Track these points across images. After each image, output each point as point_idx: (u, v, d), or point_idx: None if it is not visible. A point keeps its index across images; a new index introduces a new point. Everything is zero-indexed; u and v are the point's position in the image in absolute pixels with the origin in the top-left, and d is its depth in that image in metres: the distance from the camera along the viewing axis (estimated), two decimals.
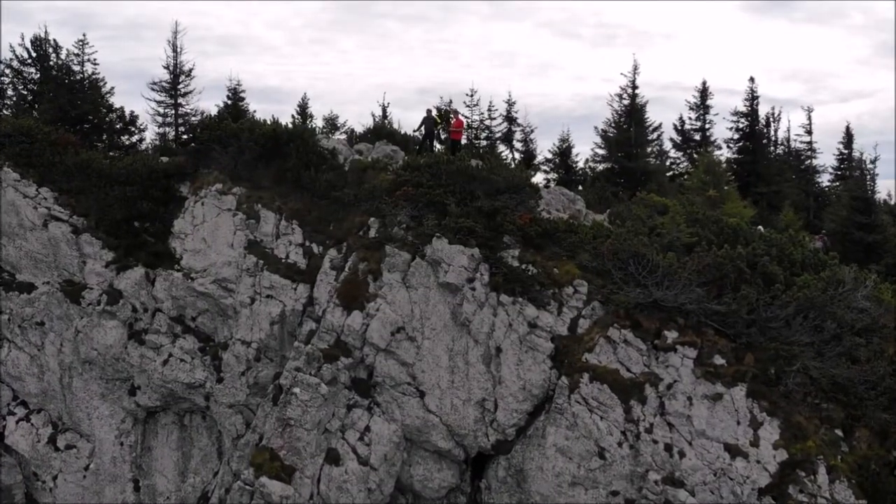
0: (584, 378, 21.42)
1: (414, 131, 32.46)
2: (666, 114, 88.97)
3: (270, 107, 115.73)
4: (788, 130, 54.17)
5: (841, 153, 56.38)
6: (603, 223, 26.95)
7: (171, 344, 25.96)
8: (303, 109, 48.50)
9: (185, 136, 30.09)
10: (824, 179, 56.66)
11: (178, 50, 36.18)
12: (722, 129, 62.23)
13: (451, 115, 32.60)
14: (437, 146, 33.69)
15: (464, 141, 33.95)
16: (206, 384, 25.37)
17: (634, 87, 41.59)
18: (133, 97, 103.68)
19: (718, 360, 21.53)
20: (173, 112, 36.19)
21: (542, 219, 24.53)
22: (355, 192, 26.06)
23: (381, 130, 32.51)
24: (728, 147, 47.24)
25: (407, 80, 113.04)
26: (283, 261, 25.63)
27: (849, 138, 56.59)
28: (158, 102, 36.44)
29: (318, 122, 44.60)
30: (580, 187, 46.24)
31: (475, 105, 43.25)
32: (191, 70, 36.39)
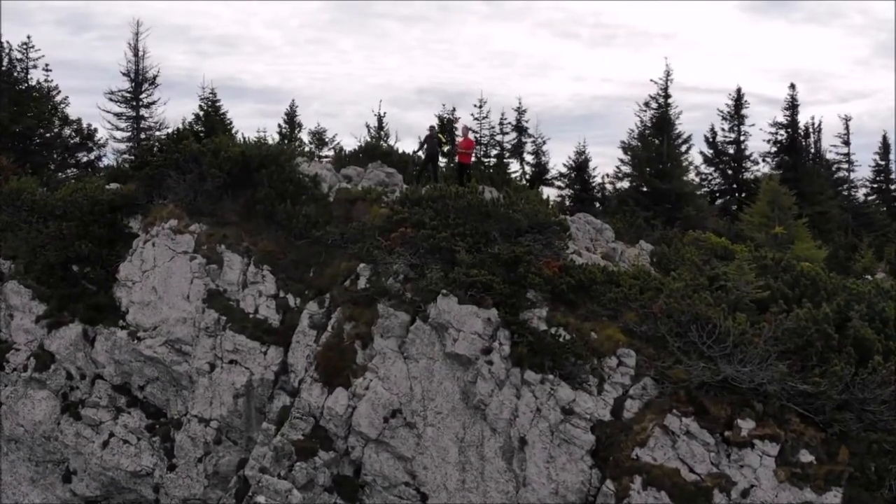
0: (635, 483, 16.46)
1: (414, 152, 27.51)
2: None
3: (270, 107, 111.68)
4: (819, 140, 49.31)
5: (877, 164, 51.76)
6: (645, 266, 21.98)
7: (113, 420, 20.98)
8: (290, 118, 43.76)
9: (135, 159, 25.07)
10: (859, 193, 52.20)
11: (141, 53, 31.17)
12: (757, 142, 56.85)
13: (456, 129, 27.61)
14: (443, 159, 28.77)
15: (472, 158, 28.89)
16: (154, 472, 20.37)
17: (667, 95, 36.51)
18: None
19: (806, 457, 16.63)
20: (134, 126, 31.15)
21: (574, 266, 19.53)
22: (341, 230, 21.20)
23: (375, 150, 27.45)
24: (765, 161, 42.32)
25: (406, 80, 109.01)
26: (251, 316, 20.69)
27: (885, 148, 51.89)
28: (117, 115, 31.33)
29: (305, 136, 39.82)
30: (597, 204, 41.44)
31: (484, 118, 38.15)
32: (155, 77, 31.38)
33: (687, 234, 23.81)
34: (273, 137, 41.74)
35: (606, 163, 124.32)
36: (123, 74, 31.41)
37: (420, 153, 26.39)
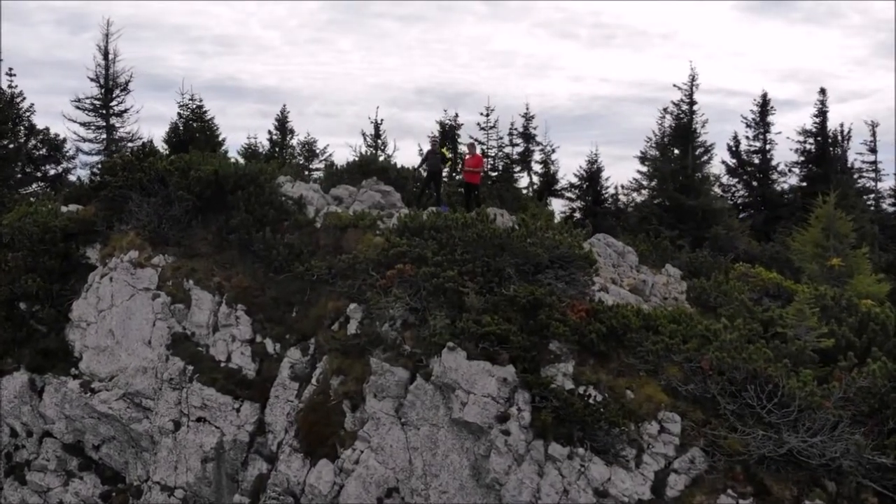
0: None
1: (415, 168, 24.41)
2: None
3: (268, 107, 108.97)
4: (846, 149, 46.19)
5: None
6: (683, 305, 18.96)
7: (63, 487, 17.95)
8: (282, 124, 40.77)
9: (97, 178, 22.01)
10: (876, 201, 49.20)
11: (112, 57, 28.07)
12: (784, 150, 53.24)
13: (458, 136, 24.56)
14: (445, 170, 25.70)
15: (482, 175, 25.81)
16: None
17: (692, 102, 33.35)
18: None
19: None
20: (106, 137, 28.08)
21: (603, 309, 16.48)
22: (329, 263, 18.15)
23: (371, 165, 24.36)
24: (791, 172, 39.19)
25: (405, 80, 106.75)
26: (223, 366, 17.70)
27: None
28: (85, 125, 28.23)
29: (295, 143, 36.82)
30: (609, 217, 38.39)
31: (492, 127, 34.96)
32: (127, 82, 28.26)
33: (735, 266, 20.67)
34: (263, 144, 38.92)
35: (606, 163, 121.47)
36: (92, 80, 28.38)
37: (422, 169, 23.33)
